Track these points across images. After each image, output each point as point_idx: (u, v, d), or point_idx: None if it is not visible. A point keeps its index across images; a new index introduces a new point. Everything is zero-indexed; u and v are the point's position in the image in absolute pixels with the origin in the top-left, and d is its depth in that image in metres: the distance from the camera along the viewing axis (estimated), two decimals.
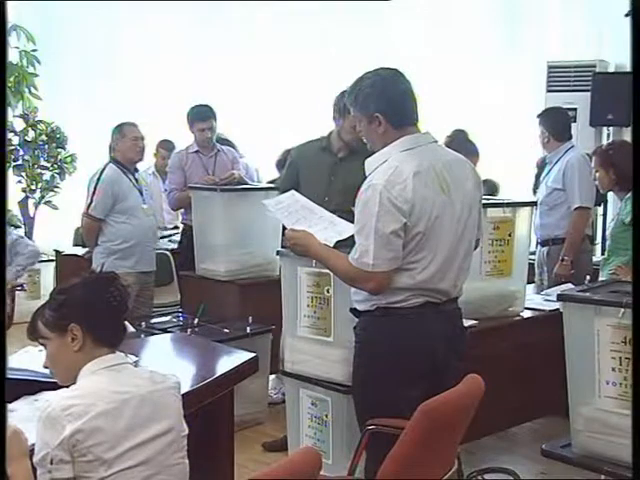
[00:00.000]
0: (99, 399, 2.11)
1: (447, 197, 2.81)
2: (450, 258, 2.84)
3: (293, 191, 3.49)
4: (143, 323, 4.60)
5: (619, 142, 4.63)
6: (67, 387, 2.24)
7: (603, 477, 2.71)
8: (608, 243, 4.33)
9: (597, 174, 4.38)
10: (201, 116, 5.41)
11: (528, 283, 4.28)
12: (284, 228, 3.30)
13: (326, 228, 3.12)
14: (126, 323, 2.34)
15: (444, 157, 2.91)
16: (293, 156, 4.50)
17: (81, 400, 2.10)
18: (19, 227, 7.63)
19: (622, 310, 2.61)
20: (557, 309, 3.74)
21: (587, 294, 2.84)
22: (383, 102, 2.86)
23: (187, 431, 2.30)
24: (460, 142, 4.83)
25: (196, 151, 5.47)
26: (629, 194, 4.06)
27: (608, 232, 4.41)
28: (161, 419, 2.20)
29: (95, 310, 2.23)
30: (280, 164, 5.50)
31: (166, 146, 6.88)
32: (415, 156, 2.81)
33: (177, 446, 2.24)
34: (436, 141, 2.98)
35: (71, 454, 2.05)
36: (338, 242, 3.02)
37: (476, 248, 3.12)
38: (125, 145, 5.03)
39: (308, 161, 4.36)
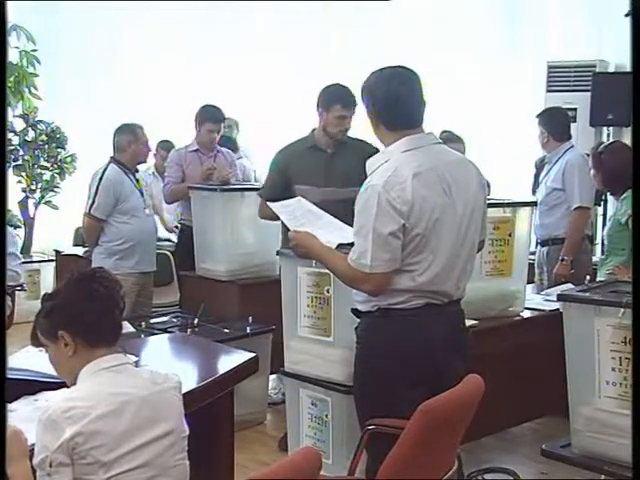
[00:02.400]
0: (99, 401, 2.10)
1: (448, 199, 2.80)
2: (452, 260, 2.83)
3: (300, 197, 3.50)
4: (143, 323, 4.60)
5: (613, 145, 4.63)
6: (67, 387, 2.24)
7: (603, 477, 2.72)
8: (605, 243, 4.34)
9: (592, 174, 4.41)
10: (213, 117, 5.43)
11: (528, 283, 4.28)
12: (285, 228, 3.30)
13: (331, 233, 3.12)
14: (120, 318, 2.28)
15: (447, 158, 2.90)
16: (280, 162, 4.39)
17: (81, 402, 2.09)
18: (19, 227, 7.65)
19: (622, 310, 2.61)
20: (557, 309, 3.74)
21: (587, 294, 2.85)
22: (376, 104, 2.86)
23: (188, 432, 2.29)
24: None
25: (196, 150, 5.47)
26: (625, 194, 4.06)
27: (605, 232, 4.42)
28: (161, 421, 2.19)
29: (80, 313, 2.19)
30: None
31: (166, 146, 6.90)
32: (416, 157, 2.80)
33: (177, 447, 2.23)
34: (440, 142, 2.96)
35: (71, 457, 2.05)
36: (341, 245, 3.02)
37: (480, 250, 3.11)
38: (138, 148, 5.03)
39: (299, 164, 4.30)
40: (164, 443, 2.18)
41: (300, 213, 3.27)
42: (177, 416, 2.26)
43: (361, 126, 3.44)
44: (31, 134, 7.68)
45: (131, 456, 2.10)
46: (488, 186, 5.34)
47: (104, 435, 2.07)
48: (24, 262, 7.05)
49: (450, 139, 4.70)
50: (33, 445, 2.10)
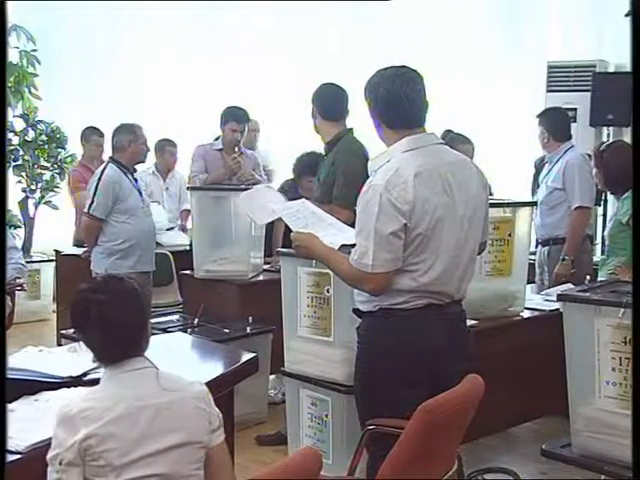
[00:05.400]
0: (116, 404, 2.10)
1: (449, 199, 2.80)
2: (454, 260, 2.83)
3: (304, 199, 3.52)
4: None
5: (615, 144, 4.63)
6: (67, 388, 2.24)
7: (603, 477, 2.72)
8: (607, 243, 4.34)
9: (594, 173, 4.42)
10: (236, 117, 5.44)
11: (528, 283, 4.28)
12: (288, 230, 3.29)
13: (335, 235, 3.12)
14: (138, 332, 2.26)
15: (448, 158, 2.90)
16: None
17: (98, 404, 2.10)
18: (19, 227, 7.64)
19: (622, 310, 2.61)
20: (557, 309, 3.74)
21: (587, 294, 2.84)
22: (378, 103, 2.87)
23: (207, 442, 2.24)
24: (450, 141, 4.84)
25: (220, 149, 5.48)
26: (626, 194, 4.06)
27: (606, 232, 4.41)
28: (177, 430, 2.16)
29: (96, 346, 2.22)
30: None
31: (168, 145, 6.89)
32: (418, 157, 2.80)
33: (192, 458, 2.20)
34: (442, 142, 2.96)
35: (82, 458, 2.05)
36: (343, 245, 3.03)
37: (482, 252, 3.11)
38: (138, 148, 5.04)
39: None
40: (178, 453, 2.16)
41: (303, 215, 3.27)
42: (194, 426, 2.21)
43: (364, 125, 3.44)
44: (31, 134, 7.68)
45: (143, 462, 2.09)
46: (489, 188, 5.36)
47: (118, 438, 2.07)
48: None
49: (458, 140, 4.70)
50: (45, 440, 2.12)
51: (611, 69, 6.51)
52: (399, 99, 2.83)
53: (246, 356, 3.28)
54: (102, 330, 2.17)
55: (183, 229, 6.67)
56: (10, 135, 7.39)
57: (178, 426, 2.17)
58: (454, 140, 4.58)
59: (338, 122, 4.26)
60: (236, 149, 5.51)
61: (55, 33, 8.16)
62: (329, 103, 4.25)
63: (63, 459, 2.05)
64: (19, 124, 7.65)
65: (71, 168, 6.98)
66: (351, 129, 4.29)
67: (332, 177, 4.19)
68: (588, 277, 4.46)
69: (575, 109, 6.20)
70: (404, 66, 2.91)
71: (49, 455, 2.08)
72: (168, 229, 6.42)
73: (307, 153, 5.12)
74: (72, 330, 2.28)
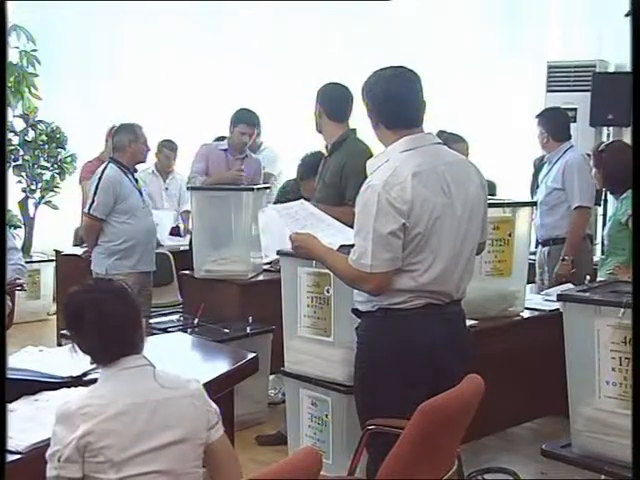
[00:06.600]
0: (114, 401, 2.11)
1: (448, 199, 2.80)
2: (453, 260, 2.83)
3: (302, 200, 3.50)
4: None
5: (613, 144, 4.63)
6: (67, 388, 2.25)
7: (603, 477, 2.71)
8: (606, 243, 4.34)
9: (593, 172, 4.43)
10: (247, 120, 5.42)
11: (528, 283, 4.28)
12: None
13: (334, 235, 3.12)
14: (134, 331, 2.25)
15: (446, 158, 2.90)
16: None
17: (97, 401, 2.12)
18: (19, 227, 7.64)
19: (622, 310, 2.61)
20: (557, 309, 3.74)
21: (587, 294, 2.84)
22: (376, 103, 2.87)
23: (206, 440, 2.26)
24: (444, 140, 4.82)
25: (225, 149, 5.47)
26: (625, 194, 4.06)
27: (605, 232, 4.42)
28: (174, 427, 2.17)
29: (91, 349, 2.23)
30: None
31: (169, 146, 6.91)
32: (415, 157, 2.80)
33: (191, 455, 2.22)
34: (439, 142, 2.96)
35: (81, 454, 2.06)
36: (343, 246, 3.02)
37: (481, 252, 3.10)
38: (138, 147, 5.04)
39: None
40: (176, 450, 2.17)
41: (302, 215, 3.27)
42: (192, 423, 2.23)
43: (363, 126, 3.44)
44: (31, 134, 7.68)
45: (142, 459, 2.10)
46: (494, 186, 5.35)
47: (117, 435, 2.08)
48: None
49: (452, 139, 4.70)
50: (45, 440, 2.13)
51: (611, 69, 6.50)
52: (397, 99, 2.84)
53: (246, 356, 3.29)
54: (98, 328, 2.18)
55: (178, 233, 6.68)
56: (10, 135, 7.39)
57: (176, 423, 2.18)
58: (448, 139, 4.58)
59: (342, 123, 4.21)
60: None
61: (55, 33, 8.16)
62: (335, 103, 4.18)
63: (62, 455, 2.06)
64: (19, 124, 7.66)
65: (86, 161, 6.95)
66: (354, 129, 4.26)
67: (345, 179, 4.11)
68: (588, 277, 4.46)
69: (575, 109, 6.20)
70: (402, 66, 2.92)
71: (48, 452, 2.09)
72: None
73: (311, 154, 5.06)
74: (67, 334, 2.27)
